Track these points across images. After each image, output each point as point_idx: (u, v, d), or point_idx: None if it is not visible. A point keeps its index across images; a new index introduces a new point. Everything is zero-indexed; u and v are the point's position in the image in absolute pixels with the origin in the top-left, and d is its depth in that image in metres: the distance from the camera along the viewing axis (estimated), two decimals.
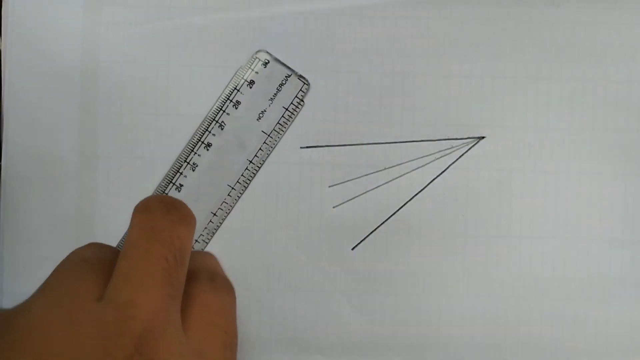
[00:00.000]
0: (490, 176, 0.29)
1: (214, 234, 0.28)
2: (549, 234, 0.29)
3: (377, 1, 0.29)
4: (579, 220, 0.29)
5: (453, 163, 0.29)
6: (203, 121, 0.28)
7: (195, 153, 0.28)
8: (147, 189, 0.29)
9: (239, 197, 0.28)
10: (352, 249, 0.29)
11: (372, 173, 0.29)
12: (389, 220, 0.29)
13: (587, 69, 0.29)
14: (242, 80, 0.28)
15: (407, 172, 0.29)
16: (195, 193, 0.28)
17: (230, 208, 0.28)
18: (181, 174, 0.28)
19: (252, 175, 0.28)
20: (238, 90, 0.28)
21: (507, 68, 0.29)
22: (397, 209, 0.29)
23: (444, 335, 0.29)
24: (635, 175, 0.29)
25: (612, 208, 0.29)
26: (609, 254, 0.29)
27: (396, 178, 0.29)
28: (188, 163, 0.28)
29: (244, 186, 0.28)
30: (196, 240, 0.28)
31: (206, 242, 0.28)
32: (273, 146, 0.28)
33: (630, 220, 0.29)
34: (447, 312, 0.29)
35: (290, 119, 0.28)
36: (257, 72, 0.28)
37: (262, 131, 0.28)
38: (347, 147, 0.29)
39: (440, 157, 0.29)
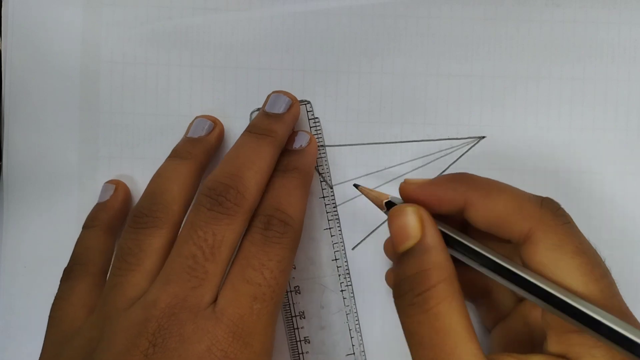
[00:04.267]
0: (490, 176, 0.29)
1: (347, 274, 0.29)
2: None
3: (377, 1, 0.29)
4: (579, 220, 0.29)
5: (453, 163, 0.29)
6: None
7: None
8: None
9: (340, 231, 0.29)
10: (352, 248, 0.29)
11: (372, 173, 0.29)
12: None
13: (587, 69, 0.29)
14: None
15: (407, 172, 0.29)
16: (303, 264, 0.29)
17: (342, 247, 0.29)
18: None
19: (334, 206, 0.29)
20: None
21: (507, 68, 0.29)
22: None
23: None
24: (635, 174, 0.29)
25: (613, 208, 0.29)
26: (609, 253, 0.28)
27: (396, 178, 0.29)
28: None
29: (336, 218, 0.29)
30: (341, 290, 0.29)
31: (348, 285, 0.29)
32: (328, 170, 0.29)
33: (631, 220, 0.29)
34: None
35: (321, 139, 0.28)
36: None
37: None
38: (347, 147, 0.29)
39: (440, 157, 0.29)
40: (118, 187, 0.28)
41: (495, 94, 0.29)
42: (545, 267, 0.21)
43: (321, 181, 0.28)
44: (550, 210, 0.21)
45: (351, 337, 0.28)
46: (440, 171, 0.29)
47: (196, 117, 0.28)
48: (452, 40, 0.29)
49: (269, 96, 0.28)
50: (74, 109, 0.29)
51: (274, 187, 0.25)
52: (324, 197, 0.28)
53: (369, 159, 0.29)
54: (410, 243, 0.22)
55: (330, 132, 0.29)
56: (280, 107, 0.27)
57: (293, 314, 0.28)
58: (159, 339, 0.21)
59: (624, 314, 0.20)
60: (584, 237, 0.22)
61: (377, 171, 0.29)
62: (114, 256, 0.25)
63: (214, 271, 0.23)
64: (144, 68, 0.29)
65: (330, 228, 0.28)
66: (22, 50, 0.29)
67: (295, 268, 0.28)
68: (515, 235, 0.22)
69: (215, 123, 0.28)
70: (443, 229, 0.22)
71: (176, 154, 0.27)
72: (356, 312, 0.29)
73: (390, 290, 0.29)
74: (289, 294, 0.28)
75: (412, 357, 0.21)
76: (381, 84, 0.29)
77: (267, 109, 0.27)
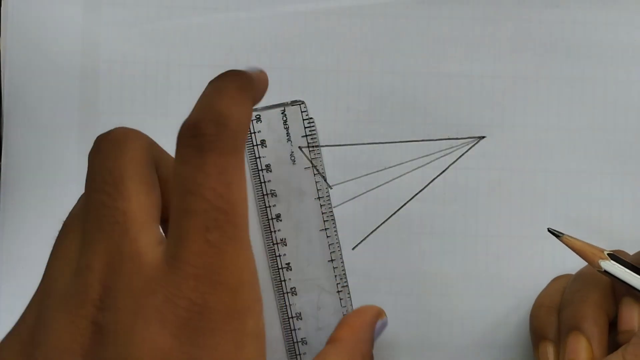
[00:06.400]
0: (490, 176, 0.29)
1: (344, 275, 0.28)
2: (548, 234, 0.29)
3: (377, 1, 0.29)
4: (578, 220, 0.29)
5: (453, 163, 0.29)
6: (257, 202, 0.28)
7: (274, 231, 0.28)
8: None
9: (336, 232, 0.28)
10: (353, 248, 0.29)
11: (372, 173, 0.29)
12: (389, 220, 0.29)
13: (587, 69, 0.29)
14: (255, 147, 0.28)
15: (407, 172, 0.29)
16: (299, 265, 0.28)
17: (338, 248, 0.28)
18: (278, 256, 0.28)
19: (330, 206, 0.28)
20: (259, 158, 0.28)
21: (507, 68, 0.29)
22: (398, 208, 0.29)
23: (445, 335, 0.29)
24: (635, 174, 0.29)
25: (612, 208, 0.29)
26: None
27: (396, 178, 0.29)
28: (275, 244, 0.28)
29: (331, 219, 0.28)
30: (338, 291, 0.28)
31: (344, 286, 0.28)
32: (323, 171, 0.28)
33: (630, 220, 0.29)
34: (448, 311, 0.29)
35: (316, 139, 0.28)
36: (259, 131, 0.28)
37: (305, 168, 0.28)
38: (347, 147, 0.29)
39: (440, 157, 0.29)
40: None
41: (495, 94, 0.29)
42: None
43: (317, 182, 0.28)
44: None
45: None
46: (440, 171, 0.29)
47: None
48: (452, 40, 0.29)
49: None
50: (73, 109, 0.29)
51: (204, 93, 0.21)
52: (319, 197, 0.28)
53: (369, 159, 0.29)
54: None
55: (330, 132, 0.29)
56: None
57: (290, 316, 0.28)
58: (106, 302, 0.18)
59: None
60: None
61: (377, 171, 0.29)
62: None
63: (130, 209, 0.19)
64: (144, 68, 0.29)
65: (326, 229, 0.28)
66: (21, 49, 0.29)
67: (291, 269, 0.28)
68: None
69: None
70: None
71: None
72: None
73: (389, 290, 0.29)
74: (285, 295, 0.28)
75: None
76: (381, 84, 0.29)
77: None
